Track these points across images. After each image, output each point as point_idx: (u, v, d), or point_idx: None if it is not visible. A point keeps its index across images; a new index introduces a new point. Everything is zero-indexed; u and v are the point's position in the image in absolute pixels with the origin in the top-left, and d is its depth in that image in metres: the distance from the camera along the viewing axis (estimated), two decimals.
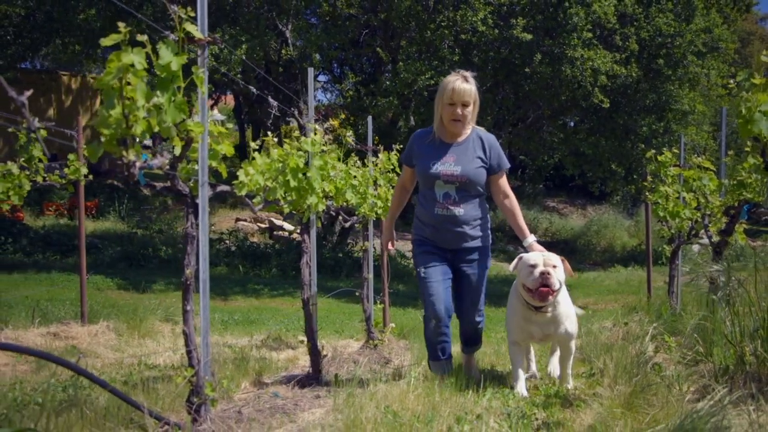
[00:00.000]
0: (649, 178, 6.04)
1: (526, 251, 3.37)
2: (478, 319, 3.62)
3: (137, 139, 2.13)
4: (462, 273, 3.52)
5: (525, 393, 3.23)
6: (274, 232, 17.41)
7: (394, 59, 14.32)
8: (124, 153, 1.88)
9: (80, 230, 5.61)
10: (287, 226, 17.15)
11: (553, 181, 27.05)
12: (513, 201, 3.53)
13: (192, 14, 2.31)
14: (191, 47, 2.48)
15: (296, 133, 3.51)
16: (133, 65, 1.87)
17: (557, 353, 3.64)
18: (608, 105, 13.90)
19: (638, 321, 5.12)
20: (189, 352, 2.44)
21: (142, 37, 2.13)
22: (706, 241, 5.43)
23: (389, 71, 15.32)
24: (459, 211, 3.41)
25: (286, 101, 15.59)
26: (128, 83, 1.88)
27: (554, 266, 3.17)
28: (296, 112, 15.61)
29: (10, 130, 4.62)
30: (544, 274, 3.11)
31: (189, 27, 2.29)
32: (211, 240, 15.63)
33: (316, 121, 3.81)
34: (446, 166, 3.40)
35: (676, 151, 5.92)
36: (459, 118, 3.34)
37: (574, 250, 19.93)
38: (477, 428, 2.44)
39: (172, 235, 15.55)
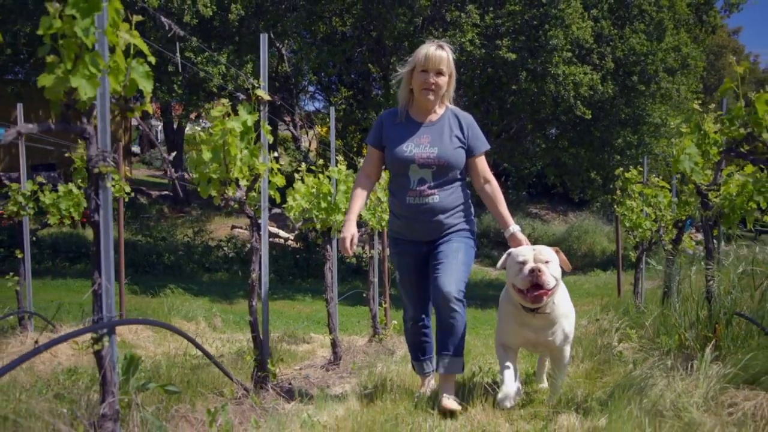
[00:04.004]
0: (617, 192, 6.89)
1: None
2: (456, 299, 2.90)
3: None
4: (438, 249, 3.05)
5: (511, 402, 2.84)
6: (270, 239, 18.10)
7: (385, 75, 15.16)
8: (225, 191, 2.64)
9: (120, 237, 6.31)
10: (282, 233, 17.87)
11: (536, 188, 28.02)
12: (494, 186, 3.12)
13: (261, 83, 3.10)
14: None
15: (320, 161, 4.28)
16: (232, 129, 2.63)
17: (545, 365, 3.34)
18: (590, 116, 14.72)
19: (608, 318, 5.94)
20: (255, 338, 3.20)
21: (223, 100, 2.92)
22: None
23: (380, 86, 16.15)
24: (434, 198, 3.02)
25: (279, 112, 16.38)
26: (228, 142, 2.65)
27: (546, 261, 2.75)
28: (291, 125, 16.40)
29: (66, 154, 5.35)
30: (535, 272, 2.69)
31: (259, 92, 3.07)
32: (210, 247, 16.34)
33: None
34: (421, 148, 3.02)
35: (640, 169, 6.78)
36: (431, 86, 3.00)
37: None
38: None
39: (173, 242, 16.19)
